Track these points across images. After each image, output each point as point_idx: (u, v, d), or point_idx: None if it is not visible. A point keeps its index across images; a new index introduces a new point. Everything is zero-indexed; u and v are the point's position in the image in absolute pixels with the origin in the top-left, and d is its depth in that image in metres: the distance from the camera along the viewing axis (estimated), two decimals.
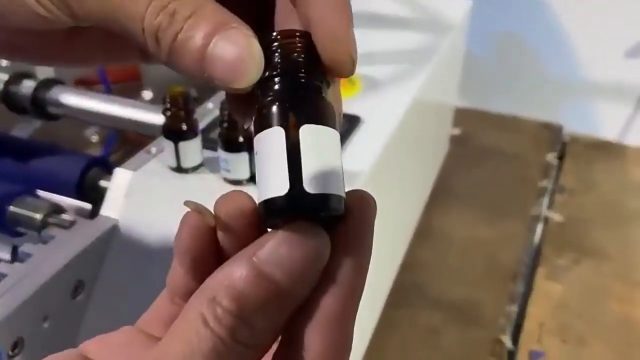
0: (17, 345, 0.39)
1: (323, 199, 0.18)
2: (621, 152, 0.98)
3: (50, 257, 0.42)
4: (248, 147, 0.46)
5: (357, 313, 0.19)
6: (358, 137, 0.53)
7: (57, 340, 0.42)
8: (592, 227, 0.81)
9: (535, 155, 0.95)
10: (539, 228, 0.81)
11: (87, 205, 0.49)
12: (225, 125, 0.46)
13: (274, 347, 0.19)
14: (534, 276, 0.73)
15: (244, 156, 0.46)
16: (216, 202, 0.20)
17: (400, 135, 0.56)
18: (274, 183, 0.18)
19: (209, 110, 0.56)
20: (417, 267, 0.73)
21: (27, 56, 0.24)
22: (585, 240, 0.79)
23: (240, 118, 0.22)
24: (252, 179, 0.47)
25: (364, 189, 0.20)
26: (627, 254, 0.77)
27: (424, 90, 0.63)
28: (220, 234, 0.20)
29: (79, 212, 0.49)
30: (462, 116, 0.98)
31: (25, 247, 0.43)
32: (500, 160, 0.94)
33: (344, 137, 0.52)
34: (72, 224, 0.45)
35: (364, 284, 0.19)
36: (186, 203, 0.20)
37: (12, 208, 0.46)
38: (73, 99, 0.60)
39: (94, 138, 0.78)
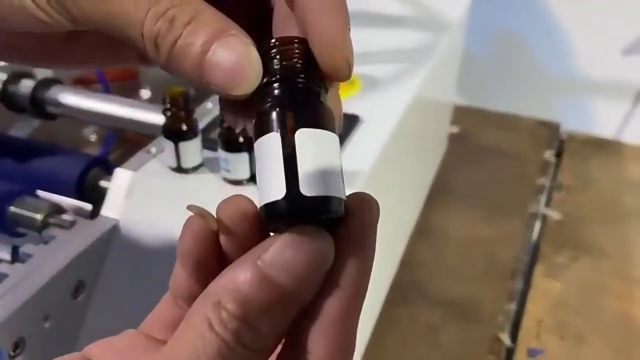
0: (18, 345, 0.39)
1: (322, 202, 0.18)
2: (618, 150, 0.98)
3: (51, 257, 0.42)
4: (248, 147, 0.46)
5: None
6: (357, 137, 0.53)
7: (58, 340, 0.42)
8: (590, 225, 0.81)
9: (533, 153, 0.95)
10: (537, 226, 0.81)
11: (88, 206, 0.49)
12: (225, 125, 0.46)
13: (278, 349, 0.19)
14: (533, 274, 0.73)
15: (244, 156, 0.46)
16: (218, 206, 0.20)
17: (399, 134, 0.56)
18: (273, 187, 0.18)
19: (209, 110, 0.56)
20: (416, 265, 0.73)
21: (26, 58, 0.25)
22: (583, 238, 0.79)
23: (233, 122, 0.23)
24: (252, 178, 0.47)
25: (364, 189, 0.20)
26: (624, 251, 0.77)
27: (423, 89, 0.63)
28: (222, 238, 0.20)
29: (80, 212, 0.49)
30: (460, 114, 0.98)
31: (25, 248, 0.43)
32: (499, 158, 0.94)
33: (343, 136, 0.52)
34: (72, 224, 0.45)
35: (367, 285, 0.19)
36: (189, 207, 0.20)
37: (12, 208, 0.46)
38: (72, 99, 0.60)
39: (93, 137, 0.78)
